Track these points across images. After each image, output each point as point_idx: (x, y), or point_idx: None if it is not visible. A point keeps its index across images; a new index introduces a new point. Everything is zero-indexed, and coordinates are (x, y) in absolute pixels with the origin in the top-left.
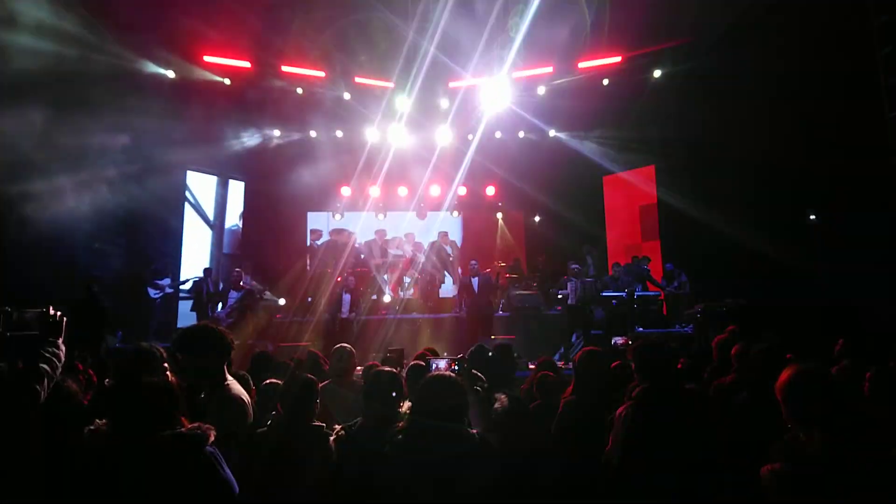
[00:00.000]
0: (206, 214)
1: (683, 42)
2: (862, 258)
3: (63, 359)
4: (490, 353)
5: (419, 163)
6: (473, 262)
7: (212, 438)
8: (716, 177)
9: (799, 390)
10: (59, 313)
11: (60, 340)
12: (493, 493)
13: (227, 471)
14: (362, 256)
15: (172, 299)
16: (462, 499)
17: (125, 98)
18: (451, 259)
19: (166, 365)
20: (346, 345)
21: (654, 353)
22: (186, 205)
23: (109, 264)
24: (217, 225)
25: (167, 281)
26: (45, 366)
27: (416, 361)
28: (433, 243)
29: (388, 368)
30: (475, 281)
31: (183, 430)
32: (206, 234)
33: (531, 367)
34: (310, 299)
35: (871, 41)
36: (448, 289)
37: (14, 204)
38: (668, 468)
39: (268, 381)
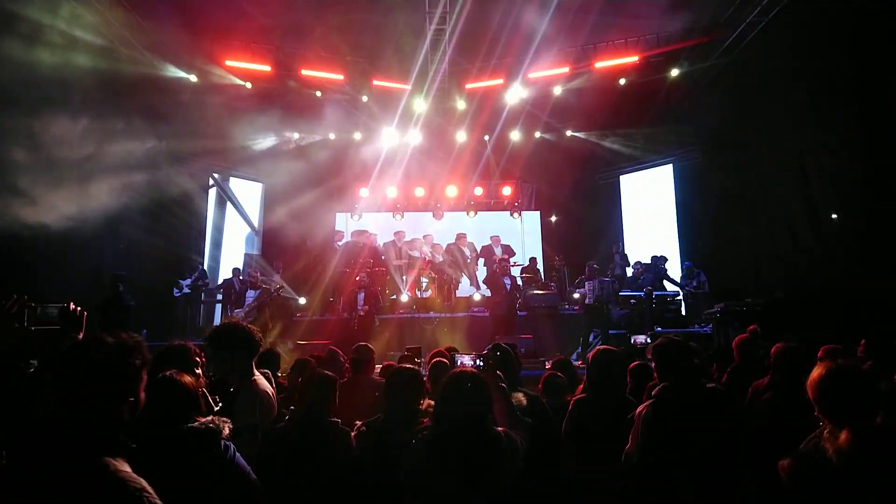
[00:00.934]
0: (248, 216)
1: (701, 41)
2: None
3: None
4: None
5: (436, 164)
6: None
7: (226, 432)
8: (734, 175)
9: (834, 386)
10: (79, 308)
11: (80, 335)
12: (518, 489)
13: (243, 463)
14: (382, 258)
15: (199, 298)
16: (487, 494)
17: (150, 101)
18: (468, 260)
19: (198, 360)
20: (366, 343)
21: (675, 352)
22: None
23: (135, 264)
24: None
25: (188, 281)
26: None
27: (439, 358)
28: (450, 245)
29: (408, 366)
30: (507, 280)
31: (196, 424)
32: (242, 235)
33: (548, 366)
34: (331, 299)
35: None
36: (465, 289)
37: (42, 204)
38: (690, 467)
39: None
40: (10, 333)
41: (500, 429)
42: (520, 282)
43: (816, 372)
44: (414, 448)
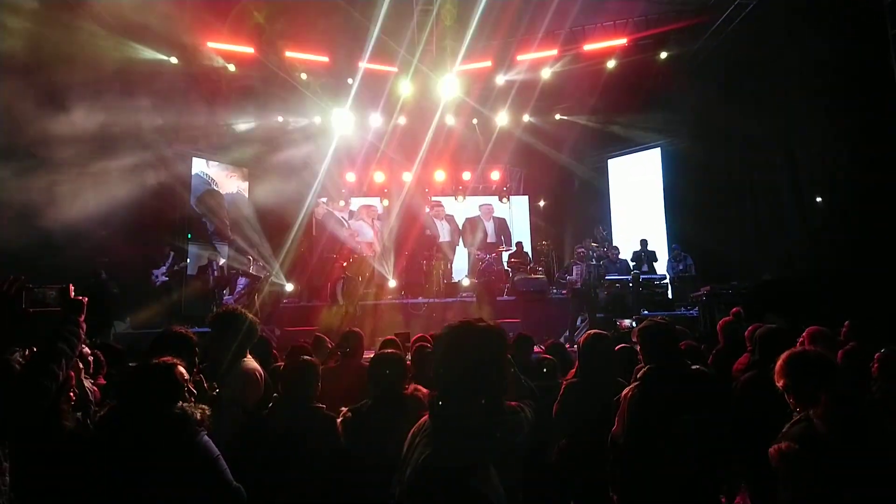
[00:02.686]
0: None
1: (690, 23)
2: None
3: (82, 338)
4: None
5: (424, 148)
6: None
7: (198, 418)
8: (721, 159)
9: (796, 373)
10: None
11: (82, 319)
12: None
13: (213, 448)
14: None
15: (179, 286)
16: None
17: (129, 85)
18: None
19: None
20: (355, 329)
21: (660, 334)
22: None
23: (116, 251)
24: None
25: (163, 269)
26: (63, 345)
27: (421, 343)
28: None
29: (391, 350)
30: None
31: (176, 410)
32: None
33: (537, 350)
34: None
35: (884, 23)
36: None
37: (20, 191)
38: (675, 448)
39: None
40: (7, 315)
41: (512, 403)
42: (507, 267)
43: (782, 358)
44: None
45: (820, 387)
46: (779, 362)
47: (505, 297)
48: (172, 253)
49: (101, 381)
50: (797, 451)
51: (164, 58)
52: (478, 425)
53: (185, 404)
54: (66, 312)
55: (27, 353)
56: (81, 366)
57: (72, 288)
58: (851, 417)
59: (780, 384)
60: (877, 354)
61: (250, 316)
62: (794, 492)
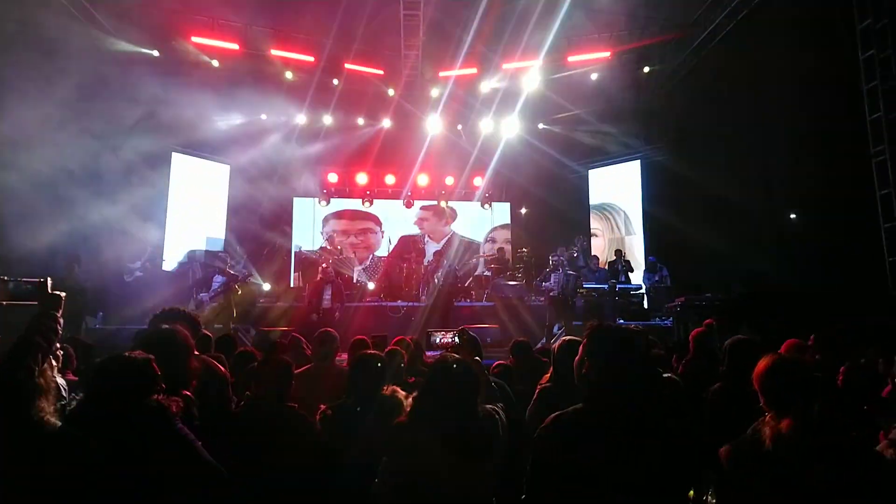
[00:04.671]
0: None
1: (672, 38)
2: (838, 257)
3: (60, 333)
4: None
5: (408, 152)
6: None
7: (174, 409)
8: (699, 172)
9: (776, 378)
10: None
11: (59, 314)
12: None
13: (192, 438)
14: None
15: (156, 282)
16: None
17: (108, 76)
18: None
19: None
20: (330, 329)
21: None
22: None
23: (90, 245)
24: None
25: (137, 264)
26: (39, 339)
27: (394, 346)
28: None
29: (372, 351)
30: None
31: (152, 402)
32: (201, 218)
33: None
34: (293, 285)
35: (856, 45)
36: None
37: None
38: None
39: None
40: None
41: (488, 406)
42: (488, 272)
43: (761, 364)
44: (400, 433)
45: (791, 394)
46: (760, 365)
47: (484, 301)
48: (150, 248)
49: (70, 376)
50: (736, 452)
51: (146, 51)
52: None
53: (159, 396)
54: (42, 307)
55: None
56: (54, 362)
57: (49, 282)
58: (815, 425)
59: (757, 386)
60: (842, 367)
61: (189, 312)
62: (727, 494)
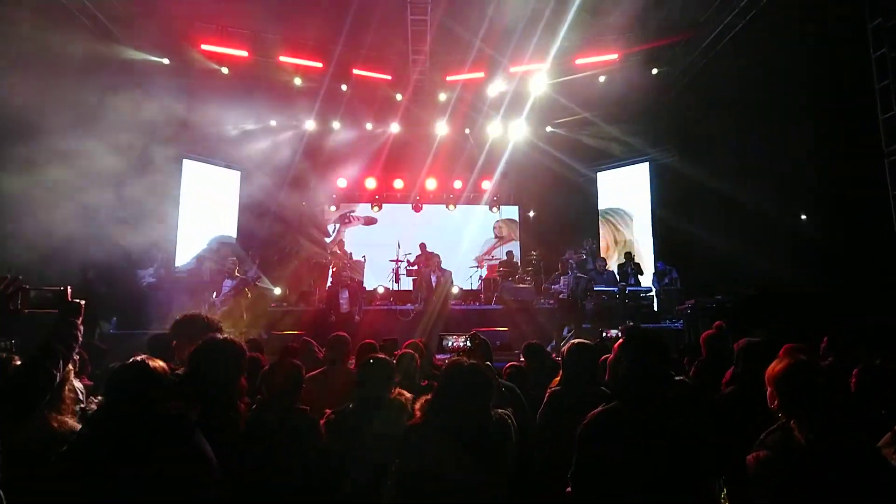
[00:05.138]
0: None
1: (681, 39)
2: (850, 258)
3: (80, 340)
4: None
5: (416, 156)
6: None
7: (191, 419)
8: (709, 174)
9: (793, 381)
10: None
11: (79, 321)
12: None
13: (208, 450)
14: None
15: (168, 288)
16: (493, 478)
17: (119, 84)
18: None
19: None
20: (342, 333)
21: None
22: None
23: (103, 251)
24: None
25: (150, 270)
26: (60, 346)
27: (405, 350)
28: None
29: (379, 355)
30: (433, 277)
31: (161, 412)
32: (211, 222)
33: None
34: (306, 289)
35: (867, 42)
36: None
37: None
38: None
39: None
40: (3, 315)
41: (500, 410)
42: (497, 276)
43: (776, 366)
44: (412, 435)
45: (808, 396)
46: (774, 368)
47: (493, 305)
48: (161, 255)
49: (86, 380)
50: (771, 458)
51: (157, 59)
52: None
53: (177, 403)
54: (63, 314)
55: (12, 348)
56: (71, 366)
57: (69, 290)
58: (830, 428)
59: (768, 389)
60: (854, 370)
61: (209, 318)
62: (766, 500)
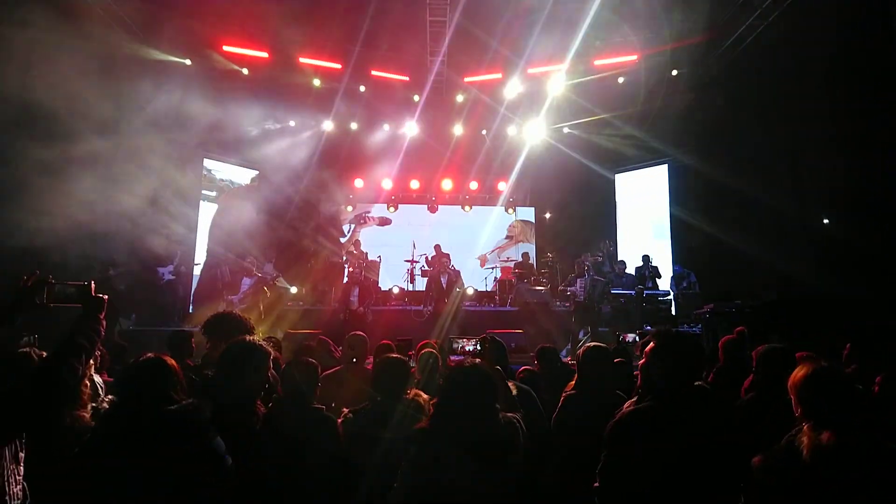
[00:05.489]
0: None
1: (702, 40)
2: (874, 262)
3: (102, 336)
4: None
5: (432, 157)
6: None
7: (208, 416)
8: (728, 177)
9: (816, 386)
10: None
11: (102, 316)
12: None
13: (222, 446)
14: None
15: (187, 285)
16: (499, 483)
17: (141, 84)
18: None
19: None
20: (359, 332)
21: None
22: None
23: (124, 248)
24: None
25: (169, 268)
26: (83, 340)
27: (427, 349)
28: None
29: (395, 355)
30: (443, 278)
31: (174, 407)
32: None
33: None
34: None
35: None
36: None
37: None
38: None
39: None
40: (28, 308)
41: (508, 414)
42: (512, 277)
43: (799, 372)
44: (418, 439)
45: (831, 403)
46: (796, 375)
47: (508, 307)
48: (179, 252)
49: (105, 376)
50: (769, 462)
51: (179, 60)
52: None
53: (190, 401)
54: (86, 309)
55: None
56: (91, 361)
57: (93, 285)
58: (853, 433)
59: (794, 395)
60: (878, 378)
61: (242, 316)
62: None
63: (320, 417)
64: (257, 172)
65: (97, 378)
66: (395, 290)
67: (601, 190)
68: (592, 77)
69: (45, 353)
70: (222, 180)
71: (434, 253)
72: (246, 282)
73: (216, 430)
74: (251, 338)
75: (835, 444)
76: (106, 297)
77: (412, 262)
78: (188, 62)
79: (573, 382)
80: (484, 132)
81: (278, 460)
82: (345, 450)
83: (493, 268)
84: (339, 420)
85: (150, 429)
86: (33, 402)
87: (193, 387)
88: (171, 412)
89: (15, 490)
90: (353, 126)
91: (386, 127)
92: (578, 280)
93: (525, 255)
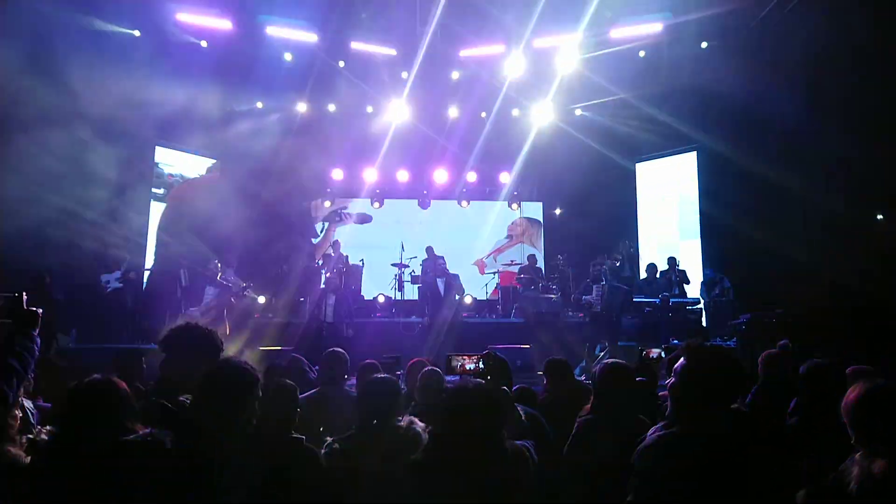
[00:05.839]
0: None
1: (736, 7)
2: None
3: (37, 355)
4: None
5: (424, 145)
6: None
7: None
8: (769, 167)
9: (871, 408)
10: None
11: (36, 333)
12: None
13: (184, 481)
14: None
15: (138, 295)
16: None
17: (80, 59)
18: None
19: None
20: (338, 349)
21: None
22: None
23: (61, 253)
24: None
25: (116, 274)
26: (14, 362)
27: (431, 367)
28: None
29: (383, 375)
30: (440, 283)
31: (130, 437)
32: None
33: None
34: (301, 299)
35: None
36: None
37: None
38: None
39: None
40: None
41: (517, 442)
42: (517, 283)
43: (853, 393)
44: (412, 475)
45: (889, 425)
46: (851, 395)
47: (512, 318)
48: (129, 256)
49: (41, 401)
50: (817, 498)
51: (126, 31)
52: None
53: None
54: (17, 325)
55: None
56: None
57: (25, 297)
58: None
59: (848, 422)
60: None
61: (209, 329)
62: None
63: (300, 450)
64: (215, 161)
65: (27, 404)
66: (381, 300)
67: (620, 182)
68: (609, 50)
69: None
70: (171, 175)
71: (427, 256)
72: (210, 290)
73: (182, 464)
74: (241, 359)
75: (889, 474)
76: (40, 310)
77: (400, 266)
78: (136, 33)
79: (589, 405)
80: (483, 115)
81: (251, 500)
82: (330, 486)
83: (493, 273)
84: (323, 450)
85: (102, 463)
86: None
87: (149, 415)
88: (128, 443)
89: None
90: (331, 108)
91: (369, 109)
92: (594, 287)
93: (531, 258)
